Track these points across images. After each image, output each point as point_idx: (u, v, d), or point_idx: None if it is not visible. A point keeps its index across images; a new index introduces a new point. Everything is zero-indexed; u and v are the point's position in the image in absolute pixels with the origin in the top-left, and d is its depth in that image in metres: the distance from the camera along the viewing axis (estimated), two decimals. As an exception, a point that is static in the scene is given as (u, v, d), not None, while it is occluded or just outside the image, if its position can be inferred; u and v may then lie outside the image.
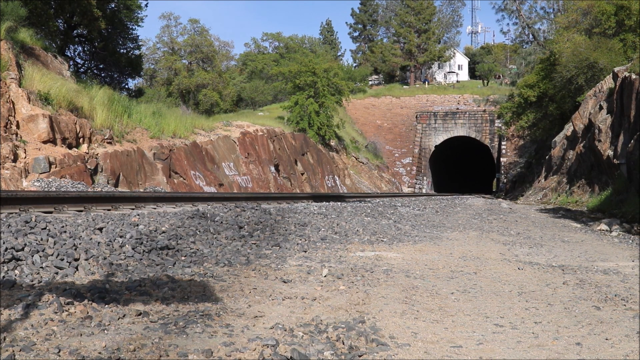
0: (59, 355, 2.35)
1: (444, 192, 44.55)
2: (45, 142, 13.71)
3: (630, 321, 3.37)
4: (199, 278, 4.11)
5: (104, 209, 7.57)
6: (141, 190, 15.68)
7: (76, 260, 4.21)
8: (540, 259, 6.05)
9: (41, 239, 4.47)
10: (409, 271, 4.92)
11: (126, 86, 34.89)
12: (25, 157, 12.70)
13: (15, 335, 2.56)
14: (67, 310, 2.98)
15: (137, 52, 33.36)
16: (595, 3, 26.98)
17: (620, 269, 5.41)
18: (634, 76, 14.53)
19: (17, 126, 13.47)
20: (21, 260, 3.98)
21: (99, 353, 2.40)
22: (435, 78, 67.75)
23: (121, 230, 5.31)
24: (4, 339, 2.48)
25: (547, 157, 27.95)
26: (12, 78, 14.21)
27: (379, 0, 75.71)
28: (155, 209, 8.32)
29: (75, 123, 15.26)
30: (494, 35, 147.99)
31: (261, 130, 27.89)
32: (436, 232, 8.59)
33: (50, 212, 6.60)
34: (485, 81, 63.40)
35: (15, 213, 5.83)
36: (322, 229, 7.53)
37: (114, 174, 15.33)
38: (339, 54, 76.38)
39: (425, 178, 48.83)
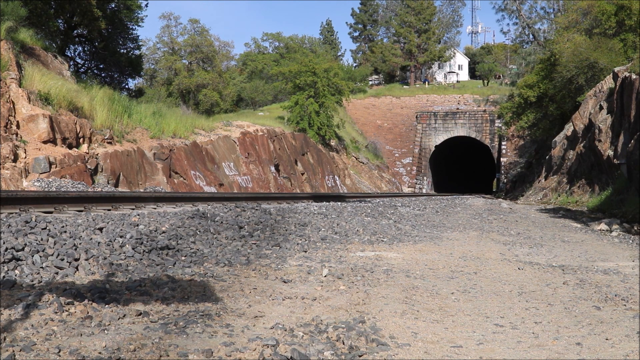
0: (59, 355, 2.35)
1: (444, 192, 44.53)
2: (45, 142, 13.71)
3: (630, 321, 3.36)
4: (199, 278, 4.11)
5: (104, 209, 7.56)
6: (141, 190, 15.68)
7: (76, 260, 4.21)
8: (541, 259, 6.04)
9: (41, 239, 4.47)
10: (409, 271, 4.92)
11: (126, 86, 34.91)
12: (25, 157, 12.70)
13: (15, 335, 2.56)
14: (67, 310, 2.98)
15: (137, 52, 33.37)
16: (595, 3, 26.96)
17: (620, 269, 5.40)
18: (634, 76, 14.53)
19: (17, 126, 13.48)
20: (21, 260, 3.98)
21: (99, 353, 2.40)
22: (435, 78, 67.73)
23: (121, 230, 5.30)
24: (4, 339, 2.48)
25: (547, 157, 27.94)
26: (12, 78, 14.21)
27: (379, 0, 75.73)
28: (155, 209, 8.31)
29: (76, 123, 15.26)
30: (494, 35, 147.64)
31: (261, 130, 27.88)
32: (436, 232, 8.58)
33: (51, 212, 6.60)
34: (486, 81, 63.38)
35: (16, 213, 5.83)
36: (322, 229, 7.53)
37: (114, 173, 15.33)
38: (339, 54, 76.37)
39: (425, 178, 48.82)
